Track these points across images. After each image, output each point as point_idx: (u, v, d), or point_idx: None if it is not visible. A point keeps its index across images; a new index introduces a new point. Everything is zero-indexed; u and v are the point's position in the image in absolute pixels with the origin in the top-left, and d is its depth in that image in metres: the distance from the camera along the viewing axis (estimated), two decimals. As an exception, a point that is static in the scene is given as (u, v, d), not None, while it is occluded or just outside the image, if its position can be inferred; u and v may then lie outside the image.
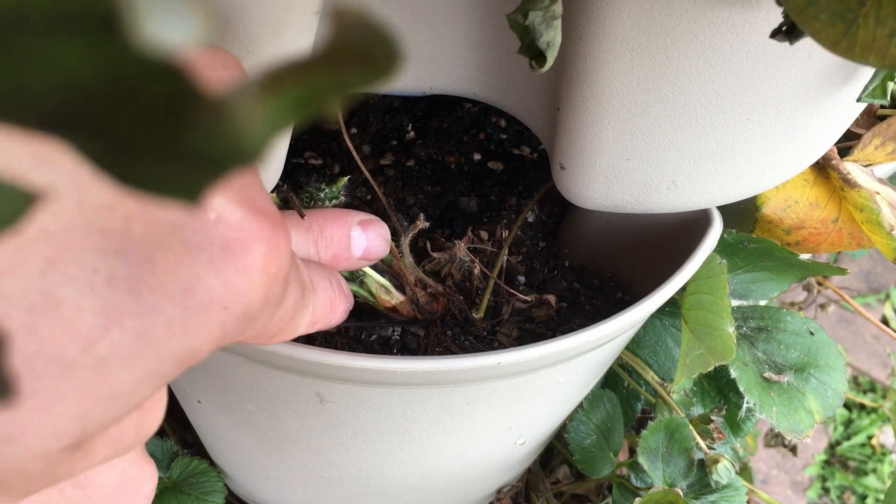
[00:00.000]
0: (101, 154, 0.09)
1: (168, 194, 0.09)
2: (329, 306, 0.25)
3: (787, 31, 0.25)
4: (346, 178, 0.36)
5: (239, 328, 0.18)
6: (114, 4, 0.08)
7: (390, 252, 0.36)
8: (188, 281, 0.16)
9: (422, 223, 0.37)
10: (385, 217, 0.44)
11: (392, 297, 0.37)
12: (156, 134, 0.09)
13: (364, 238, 0.30)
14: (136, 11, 0.08)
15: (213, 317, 0.16)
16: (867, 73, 0.33)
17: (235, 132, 0.09)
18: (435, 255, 0.39)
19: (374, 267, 0.36)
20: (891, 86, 0.34)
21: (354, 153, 0.38)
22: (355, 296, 0.36)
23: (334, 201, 0.35)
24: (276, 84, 0.09)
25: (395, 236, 0.43)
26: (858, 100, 0.34)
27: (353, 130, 0.49)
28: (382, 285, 0.37)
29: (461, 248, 0.38)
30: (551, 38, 0.26)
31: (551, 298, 0.41)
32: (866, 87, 0.34)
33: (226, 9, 0.22)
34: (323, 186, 0.34)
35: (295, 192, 0.32)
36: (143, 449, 0.23)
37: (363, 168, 0.39)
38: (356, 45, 0.09)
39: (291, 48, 0.25)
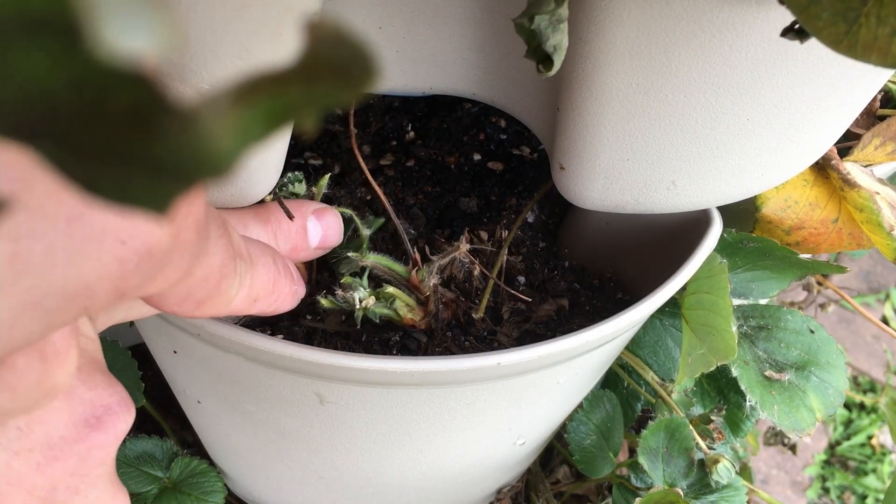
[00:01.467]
0: (67, 162, 0.09)
1: (135, 204, 0.09)
2: (271, 284, 0.25)
3: (799, 30, 0.25)
4: (327, 176, 0.36)
5: (145, 271, 0.16)
6: (76, 12, 0.07)
7: (407, 268, 0.36)
8: (74, 207, 0.14)
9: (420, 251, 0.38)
10: (389, 219, 0.44)
11: (415, 314, 0.37)
12: (122, 143, 0.08)
13: (319, 228, 0.30)
14: (98, 19, 0.07)
15: (106, 250, 0.15)
16: (867, 72, 0.33)
17: (204, 143, 0.09)
18: (434, 258, 0.39)
19: (391, 282, 0.36)
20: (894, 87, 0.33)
21: (358, 154, 0.38)
22: (384, 318, 0.37)
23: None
24: (248, 96, 0.09)
25: (397, 237, 0.43)
26: None
27: (354, 130, 0.49)
28: (409, 304, 0.37)
29: (462, 249, 0.38)
30: (558, 41, 0.26)
31: (564, 303, 0.41)
32: None
33: (225, 9, 0.22)
34: (293, 177, 0.34)
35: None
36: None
37: (365, 170, 0.39)
38: (330, 58, 0.09)
39: (290, 49, 0.25)
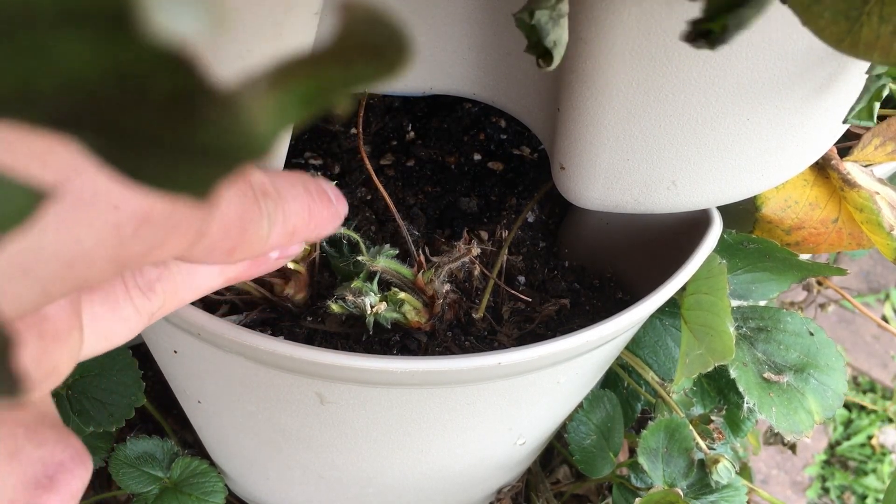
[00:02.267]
0: (109, 150, 0.09)
1: (177, 189, 0.09)
2: (307, 214, 0.24)
3: (707, 36, 0.23)
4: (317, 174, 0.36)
5: (145, 237, 0.16)
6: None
7: (412, 271, 0.36)
8: (60, 170, 0.14)
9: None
10: (389, 219, 0.44)
11: (421, 317, 0.37)
12: (164, 129, 0.08)
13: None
14: (145, 4, 0.07)
15: (99, 215, 0.15)
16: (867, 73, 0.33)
17: (244, 126, 0.09)
18: (442, 261, 0.39)
19: (397, 284, 0.36)
20: (877, 107, 0.34)
21: (363, 153, 0.38)
22: (392, 321, 0.37)
23: None
24: (285, 79, 0.09)
25: (397, 237, 0.43)
26: (845, 121, 0.34)
27: (353, 131, 0.49)
28: (416, 308, 0.37)
29: (473, 252, 0.38)
30: (558, 36, 0.26)
31: (565, 303, 0.41)
32: (853, 109, 0.34)
33: (226, 9, 0.22)
34: None
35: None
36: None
37: (370, 169, 0.39)
38: (365, 40, 0.09)
39: (291, 49, 0.25)
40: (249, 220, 0.21)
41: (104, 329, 0.22)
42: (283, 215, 0.22)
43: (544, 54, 0.26)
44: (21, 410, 0.18)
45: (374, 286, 0.35)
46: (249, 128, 0.09)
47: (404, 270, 0.36)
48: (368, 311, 0.35)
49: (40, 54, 0.08)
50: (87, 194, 0.14)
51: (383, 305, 0.35)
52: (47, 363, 0.17)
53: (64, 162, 0.14)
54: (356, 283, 0.35)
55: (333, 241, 0.39)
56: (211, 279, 0.25)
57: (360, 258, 0.35)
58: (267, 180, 0.22)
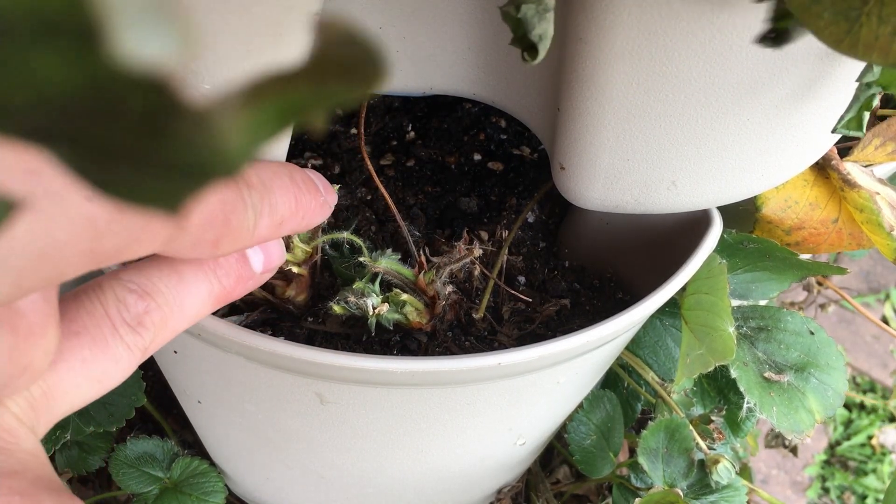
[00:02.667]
0: (81, 162, 0.09)
1: (148, 203, 0.09)
2: (293, 204, 0.23)
3: (774, 38, 0.25)
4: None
5: (119, 231, 0.15)
6: (93, 16, 0.07)
7: (413, 271, 0.36)
8: (30, 162, 0.14)
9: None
10: (389, 219, 0.44)
11: (423, 317, 0.37)
12: (136, 144, 0.09)
13: (259, 251, 0.27)
14: (114, 24, 0.07)
15: (71, 206, 0.14)
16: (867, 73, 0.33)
17: (216, 143, 0.09)
18: (443, 262, 0.39)
19: (399, 285, 0.36)
20: (867, 116, 0.33)
21: (364, 153, 0.38)
22: (394, 322, 0.37)
23: None
24: (259, 96, 0.09)
25: (397, 237, 0.43)
26: (834, 131, 0.34)
27: (353, 131, 0.49)
28: (418, 309, 0.37)
29: (475, 253, 0.38)
30: (543, 30, 0.26)
31: (565, 303, 0.41)
32: (842, 118, 0.34)
33: (226, 10, 0.22)
34: None
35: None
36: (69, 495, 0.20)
37: (371, 169, 0.39)
38: (341, 58, 0.09)
39: (291, 49, 0.25)
40: (232, 210, 0.20)
41: (96, 372, 0.21)
42: (270, 206, 0.22)
43: (529, 48, 0.26)
44: (15, 479, 0.18)
45: (377, 287, 0.35)
46: (221, 145, 0.09)
47: (406, 271, 0.36)
48: (371, 313, 0.35)
49: (13, 67, 0.08)
50: (58, 185, 0.14)
51: (385, 306, 0.35)
52: (20, 359, 0.17)
53: (35, 155, 0.14)
54: (358, 285, 0.35)
55: (335, 243, 0.39)
56: (201, 304, 0.24)
57: (361, 259, 0.35)
58: (251, 171, 0.22)
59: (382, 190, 0.39)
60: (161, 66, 0.08)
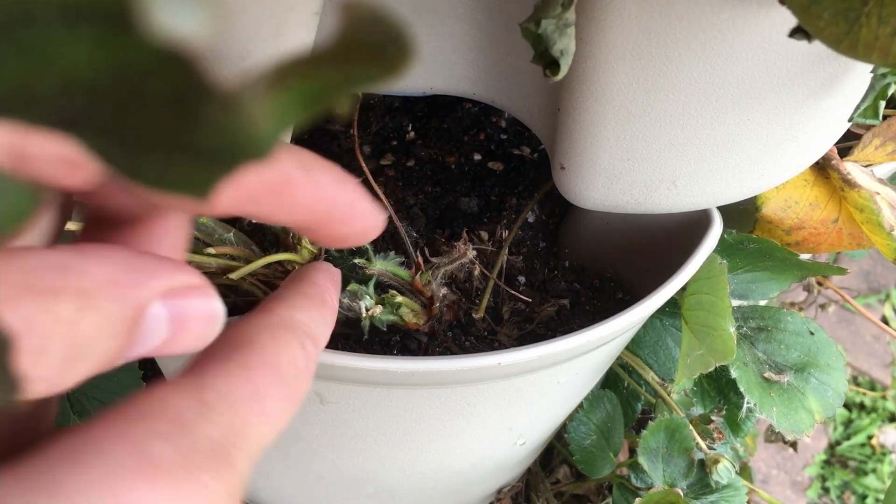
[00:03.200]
0: (109, 149, 0.09)
1: (177, 189, 0.09)
2: (326, 331, 0.21)
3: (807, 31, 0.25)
4: None
5: None
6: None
7: (410, 272, 0.36)
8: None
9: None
10: (389, 219, 0.44)
11: (419, 318, 0.37)
12: (164, 129, 0.08)
13: (165, 319, 0.18)
14: (145, 2, 0.07)
15: None
16: (867, 72, 0.33)
17: (245, 127, 0.09)
18: (440, 263, 0.39)
19: (396, 287, 0.36)
20: (882, 105, 0.34)
21: (360, 156, 0.38)
22: (388, 324, 0.37)
23: None
24: (285, 79, 0.09)
25: (396, 238, 0.43)
26: (850, 119, 0.34)
27: (353, 131, 0.49)
28: (414, 310, 0.37)
29: (469, 256, 0.38)
30: (565, 45, 0.25)
31: (565, 303, 0.41)
32: (858, 107, 0.34)
33: (226, 9, 0.22)
34: None
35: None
36: None
37: (367, 171, 0.39)
38: (367, 40, 0.09)
39: (292, 48, 0.25)
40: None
41: None
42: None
43: (551, 64, 0.26)
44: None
45: (371, 289, 0.35)
46: (250, 128, 0.09)
47: (402, 273, 0.36)
48: (364, 314, 0.35)
49: (40, 54, 0.08)
50: None
51: (379, 308, 0.35)
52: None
53: None
54: (352, 287, 0.35)
55: None
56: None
57: (356, 261, 0.35)
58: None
59: (376, 187, 0.39)
60: (191, 44, 0.08)
